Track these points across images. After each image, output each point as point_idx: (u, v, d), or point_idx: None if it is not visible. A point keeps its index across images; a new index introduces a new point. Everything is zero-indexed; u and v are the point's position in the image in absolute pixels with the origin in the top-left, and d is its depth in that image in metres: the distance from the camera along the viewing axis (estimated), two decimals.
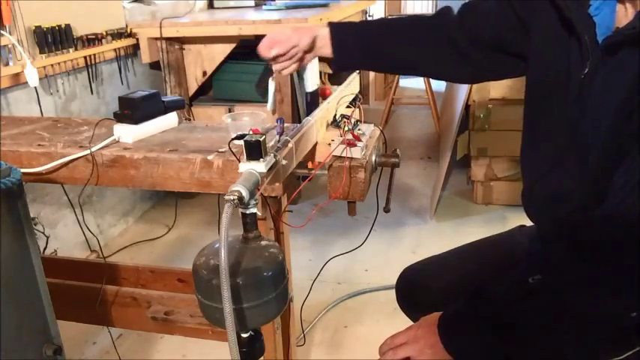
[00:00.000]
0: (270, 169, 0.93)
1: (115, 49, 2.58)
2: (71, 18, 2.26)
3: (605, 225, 0.77)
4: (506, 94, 2.68)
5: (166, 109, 1.31)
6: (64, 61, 2.24)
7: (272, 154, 0.94)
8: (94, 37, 2.40)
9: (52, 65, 2.18)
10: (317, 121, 1.22)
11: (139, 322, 1.45)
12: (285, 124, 1.13)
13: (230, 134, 1.14)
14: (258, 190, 0.86)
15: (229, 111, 2.67)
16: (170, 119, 1.33)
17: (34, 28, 2.08)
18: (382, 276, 2.24)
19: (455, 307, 0.90)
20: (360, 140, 1.12)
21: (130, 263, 1.78)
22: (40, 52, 2.12)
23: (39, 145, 1.24)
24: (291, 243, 1.36)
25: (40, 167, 1.19)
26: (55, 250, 2.24)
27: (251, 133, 0.91)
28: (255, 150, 0.89)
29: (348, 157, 1.09)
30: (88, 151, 1.17)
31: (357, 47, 1.16)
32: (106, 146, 1.20)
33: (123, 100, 1.25)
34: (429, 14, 1.21)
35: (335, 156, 1.10)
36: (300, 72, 1.24)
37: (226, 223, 0.75)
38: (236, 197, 0.79)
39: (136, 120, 1.23)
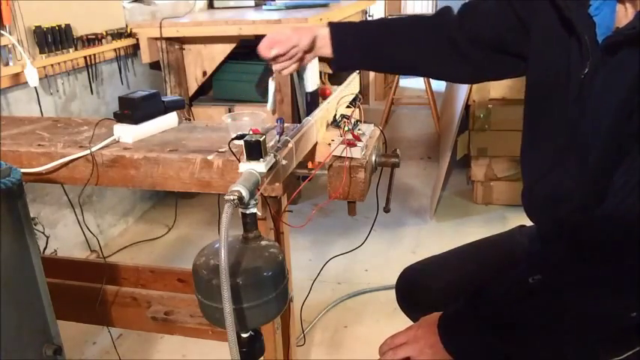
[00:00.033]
0: (270, 169, 0.93)
1: (115, 49, 2.58)
2: (71, 18, 2.26)
3: (605, 225, 0.77)
4: (506, 94, 2.68)
5: (166, 109, 1.31)
6: (64, 61, 2.24)
7: (272, 154, 0.94)
8: (94, 37, 2.40)
9: (52, 65, 2.18)
10: (317, 121, 1.22)
11: (139, 322, 1.45)
12: (285, 124, 1.13)
13: (230, 134, 1.14)
14: (258, 190, 0.86)
15: (229, 111, 2.67)
16: (170, 119, 1.33)
17: (34, 28, 2.08)
18: (382, 276, 2.24)
19: (455, 307, 0.90)
20: (360, 140, 1.12)
21: (130, 263, 1.78)
22: (40, 52, 2.12)
23: (39, 145, 1.24)
24: (291, 243, 1.36)
25: (40, 167, 1.19)
26: (55, 250, 2.24)
27: (251, 133, 0.91)
28: (255, 150, 0.89)
29: (348, 157, 1.09)
30: (88, 151, 1.17)
31: (357, 47, 1.16)
32: (106, 146, 1.20)
33: (123, 100, 1.25)
34: (429, 14, 1.21)
35: (335, 156, 1.10)
36: (300, 72, 1.24)
37: (226, 223, 0.75)
38: (236, 197, 0.79)
39: (136, 120, 1.23)
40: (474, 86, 2.65)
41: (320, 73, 2.69)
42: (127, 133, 1.23)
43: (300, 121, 1.23)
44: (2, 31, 1.93)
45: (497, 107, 2.71)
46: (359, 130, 1.18)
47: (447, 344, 0.87)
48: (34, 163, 1.20)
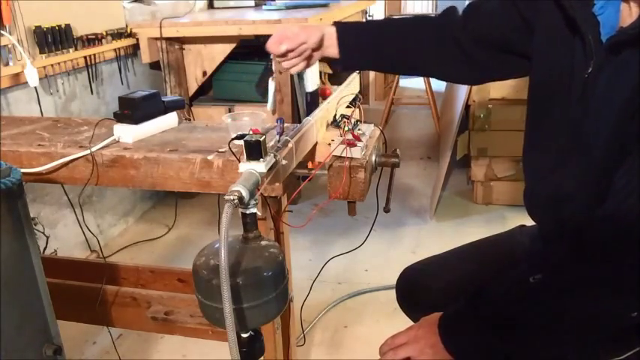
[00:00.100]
0: (270, 169, 0.93)
1: (115, 49, 2.58)
2: (71, 18, 2.26)
3: (605, 225, 0.77)
4: (506, 94, 2.68)
5: (166, 109, 1.31)
6: (64, 61, 2.24)
7: (272, 154, 0.94)
8: (94, 37, 2.40)
9: (52, 65, 2.18)
10: (317, 121, 1.22)
11: (139, 322, 1.45)
12: (285, 124, 1.13)
13: (230, 134, 1.14)
14: (258, 190, 0.86)
15: (229, 111, 2.67)
16: (170, 119, 1.33)
17: (34, 28, 2.08)
18: (382, 276, 2.24)
19: (455, 307, 0.90)
20: (360, 140, 1.12)
21: (130, 263, 1.78)
22: (40, 52, 2.12)
23: (39, 145, 1.24)
24: (291, 243, 1.36)
25: (40, 167, 1.19)
26: (55, 250, 2.24)
27: (251, 133, 0.91)
28: (255, 150, 0.89)
29: (348, 157, 1.09)
30: (88, 151, 1.17)
31: (363, 47, 1.15)
32: (106, 146, 1.20)
33: (123, 100, 1.25)
34: (433, 14, 1.21)
35: (335, 156, 1.10)
36: (300, 72, 1.24)
37: (226, 223, 0.75)
38: (236, 197, 0.79)
39: (136, 120, 1.23)
40: (475, 86, 2.65)
41: (320, 73, 2.70)
42: (127, 133, 1.23)
43: (300, 121, 1.23)
44: (2, 31, 1.93)
45: (497, 107, 2.71)
46: (359, 130, 1.18)
47: (448, 344, 0.87)
48: (34, 163, 1.20)
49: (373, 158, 1.16)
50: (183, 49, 2.73)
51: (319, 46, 1.13)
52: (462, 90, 2.78)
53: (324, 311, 2.06)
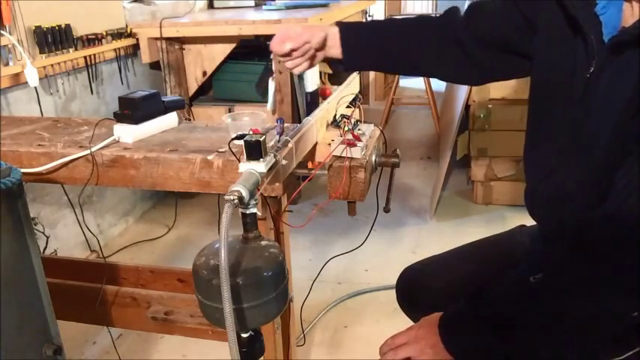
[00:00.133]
0: (270, 169, 0.92)
1: (115, 49, 2.58)
2: (71, 18, 2.26)
3: (606, 225, 0.77)
4: (506, 94, 2.68)
5: (166, 109, 1.31)
6: (64, 61, 2.24)
7: (272, 154, 0.94)
8: (94, 37, 2.40)
9: (52, 65, 2.18)
10: (317, 121, 1.22)
11: (139, 322, 1.45)
12: (285, 124, 1.13)
13: (230, 134, 1.14)
14: (258, 190, 0.86)
15: (229, 111, 2.67)
16: (170, 119, 1.33)
17: (34, 28, 2.08)
18: (382, 276, 2.24)
19: (455, 308, 0.90)
20: (360, 140, 1.12)
21: (130, 263, 1.78)
22: (40, 52, 2.12)
23: (39, 145, 1.24)
24: (291, 243, 1.36)
25: (40, 167, 1.19)
26: (55, 250, 2.24)
27: (251, 133, 0.91)
28: (255, 150, 0.89)
29: (348, 157, 1.09)
30: (88, 151, 1.17)
31: (366, 48, 1.14)
32: (106, 146, 1.20)
33: (123, 100, 1.25)
34: (434, 14, 1.21)
35: (335, 156, 1.10)
36: (301, 72, 1.23)
37: (226, 223, 0.75)
38: (236, 197, 0.79)
39: (136, 120, 1.23)
40: (475, 86, 2.65)
41: (320, 73, 2.70)
42: (127, 133, 1.23)
43: (300, 121, 1.23)
44: (2, 31, 1.93)
45: (497, 107, 2.71)
46: (359, 130, 1.18)
47: (448, 344, 0.87)
48: (34, 163, 1.20)
49: (373, 158, 1.16)
50: (183, 49, 2.73)
51: (322, 46, 1.12)
52: (462, 90, 2.78)
53: (324, 311, 2.06)
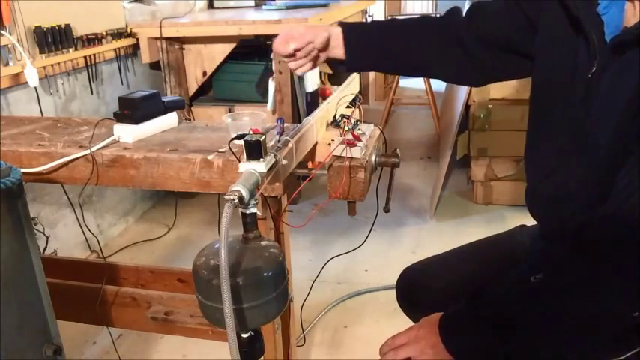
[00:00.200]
0: (270, 169, 0.92)
1: (115, 49, 2.58)
2: (71, 18, 2.26)
3: (607, 225, 0.77)
4: (507, 94, 2.68)
5: (166, 109, 1.31)
6: (64, 61, 2.24)
7: (272, 154, 0.94)
8: (94, 37, 2.40)
9: (52, 65, 2.18)
10: (317, 121, 1.22)
11: (139, 322, 1.45)
12: (285, 124, 1.13)
13: (230, 134, 1.14)
14: (258, 190, 0.86)
15: (229, 111, 2.67)
16: (170, 119, 1.33)
17: (34, 28, 2.08)
18: (382, 276, 2.24)
19: (456, 308, 0.90)
20: (360, 140, 1.12)
21: (130, 263, 1.78)
22: (40, 52, 2.12)
23: (39, 145, 1.24)
24: (291, 243, 1.36)
25: (40, 167, 1.19)
26: (55, 250, 2.24)
27: (251, 133, 0.91)
28: (255, 150, 0.89)
29: (348, 157, 1.09)
30: (88, 151, 1.17)
31: (369, 49, 1.14)
32: (106, 146, 1.20)
33: (123, 100, 1.25)
34: (434, 14, 1.21)
35: (335, 156, 1.10)
36: None
37: (226, 223, 0.75)
38: (236, 197, 0.79)
39: (136, 120, 1.23)
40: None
41: (320, 73, 2.70)
42: (127, 133, 1.23)
43: (300, 121, 1.23)
44: (2, 31, 1.93)
45: (497, 107, 2.71)
46: (359, 130, 1.18)
47: (448, 344, 0.87)
48: (34, 163, 1.20)
49: (373, 158, 1.16)
50: (183, 49, 2.73)
51: (326, 46, 1.11)
52: (462, 90, 2.78)
53: (324, 311, 2.06)
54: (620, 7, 0.83)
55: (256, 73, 2.71)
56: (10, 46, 1.98)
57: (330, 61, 1.17)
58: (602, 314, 0.78)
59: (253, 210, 0.85)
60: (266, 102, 2.53)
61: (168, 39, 2.64)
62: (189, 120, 2.57)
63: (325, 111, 1.28)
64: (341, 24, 1.14)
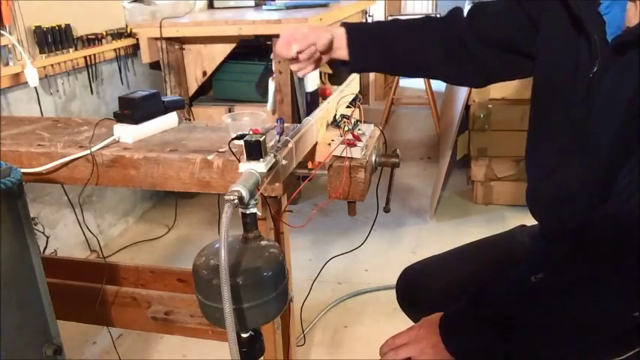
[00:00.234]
0: (270, 169, 0.92)
1: (115, 49, 2.58)
2: (71, 18, 2.26)
3: (607, 225, 0.77)
4: (507, 94, 2.68)
5: (166, 109, 1.31)
6: (64, 61, 2.24)
7: (272, 154, 0.94)
8: (94, 37, 2.40)
9: (52, 65, 2.18)
10: (317, 121, 1.22)
11: (139, 322, 1.45)
12: (285, 124, 1.13)
13: (230, 134, 1.14)
14: (258, 190, 0.86)
15: (229, 111, 2.67)
16: (170, 119, 1.33)
17: (34, 28, 2.08)
18: (382, 276, 2.24)
19: (456, 307, 0.90)
20: (360, 140, 1.12)
21: (130, 263, 1.78)
22: (40, 52, 2.12)
23: (39, 145, 1.24)
24: (291, 243, 1.36)
25: (40, 167, 1.19)
26: (55, 250, 2.24)
27: (251, 133, 0.91)
28: (255, 150, 0.89)
29: (348, 157, 1.09)
30: (88, 151, 1.17)
31: (373, 50, 1.13)
32: (106, 146, 1.20)
33: (123, 100, 1.25)
34: (434, 14, 1.20)
35: (335, 156, 1.10)
36: None
37: (226, 223, 0.75)
38: (236, 197, 0.79)
39: (136, 120, 1.23)
40: None
41: (320, 73, 2.70)
42: (127, 133, 1.23)
43: (300, 121, 1.23)
44: (2, 31, 1.93)
45: (497, 107, 2.71)
46: (359, 130, 1.18)
47: (449, 344, 0.87)
48: (34, 163, 1.20)
49: (373, 158, 1.16)
50: (183, 49, 2.73)
51: (328, 48, 1.10)
52: (462, 90, 2.78)
53: (324, 311, 2.06)
54: (622, 7, 0.83)
55: (256, 73, 2.72)
56: (10, 46, 1.98)
57: (333, 62, 1.17)
58: (602, 314, 0.78)
59: (253, 210, 0.85)
60: (266, 102, 2.53)
61: (168, 39, 2.64)
62: (189, 120, 2.57)
63: (325, 111, 1.28)
64: (344, 25, 1.13)
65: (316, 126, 1.22)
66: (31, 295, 0.98)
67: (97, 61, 2.47)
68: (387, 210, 1.15)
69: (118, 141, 1.23)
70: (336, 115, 1.30)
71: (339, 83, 1.52)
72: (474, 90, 2.68)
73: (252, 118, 1.21)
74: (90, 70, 2.44)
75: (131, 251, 2.59)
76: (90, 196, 2.52)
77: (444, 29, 1.11)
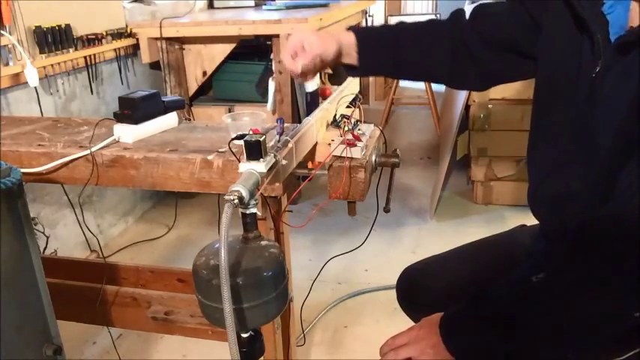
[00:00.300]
0: (270, 169, 0.92)
1: (115, 49, 2.58)
2: (71, 18, 2.26)
3: (608, 225, 0.77)
4: (507, 95, 2.69)
5: (166, 109, 1.31)
6: (64, 61, 2.24)
7: (272, 154, 0.94)
8: (94, 37, 2.40)
9: (52, 65, 2.18)
10: (317, 121, 1.22)
11: (139, 322, 1.45)
12: (285, 124, 1.13)
13: (230, 134, 1.14)
14: (258, 190, 0.86)
15: (229, 111, 2.67)
16: (170, 119, 1.33)
17: (34, 28, 2.08)
18: (382, 276, 2.24)
19: (456, 308, 0.90)
20: (360, 140, 1.12)
21: (130, 263, 1.78)
22: (40, 52, 2.12)
23: (39, 145, 1.24)
24: (291, 243, 1.36)
25: (40, 167, 1.19)
26: (55, 250, 2.24)
27: (251, 133, 0.91)
28: (255, 150, 0.89)
29: (348, 157, 1.09)
30: (88, 151, 1.17)
31: (382, 56, 1.13)
32: (106, 146, 1.20)
33: (123, 100, 1.25)
34: (434, 14, 1.20)
35: (335, 156, 1.10)
36: None
37: (226, 223, 0.75)
38: (236, 197, 0.79)
39: (136, 120, 1.23)
40: None
41: (320, 73, 2.69)
42: (127, 133, 1.23)
43: (300, 121, 1.23)
44: (2, 31, 1.93)
45: (497, 107, 2.71)
46: (359, 130, 1.18)
47: (449, 344, 0.87)
48: (34, 163, 1.20)
49: (373, 158, 1.16)
50: (183, 49, 2.73)
51: (335, 58, 1.10)
52: (462, 90, 2.78)
53: (324, 311, 2.06)
54: (625, 6, 0.82)
55: (256, 73, 2.72)
56: (10, 46, 1.98)
57: (338, 65, 1.16)
58: (602, 314, 0.78)
59: (253, 210, 0.85)
60: (266, 102, 2.52)
61: (168, 39, 2.64)
62: (189, 120, 2.57)
63: (325, 111, 1.28)
64: (354, 31, 1.11)
65: (316, 126, 1.22)
66: (31, 295, 0.98)
67: (97, 61, 2.47)
68: (387, 210, 1.15)
69: (118, 141, 1.23)
70: (336, 115, 1.30)
71: (339, 83, 1.52)
72: None
73: (252, 118, 1.21)
74: (90, 70, 2.44)
75: (131, 251, 2.59)
76: (90, 196, 2.52)
77: (448, 32, 1.10)
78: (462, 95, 2.76)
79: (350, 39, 1.10)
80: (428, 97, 3.94)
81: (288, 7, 2.92)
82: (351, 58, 1.12)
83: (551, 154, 0.95)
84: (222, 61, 2.70)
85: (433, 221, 2.76)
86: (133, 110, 1.23)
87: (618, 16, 0.83)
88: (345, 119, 1.20)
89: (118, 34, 2.58)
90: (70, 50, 2.27)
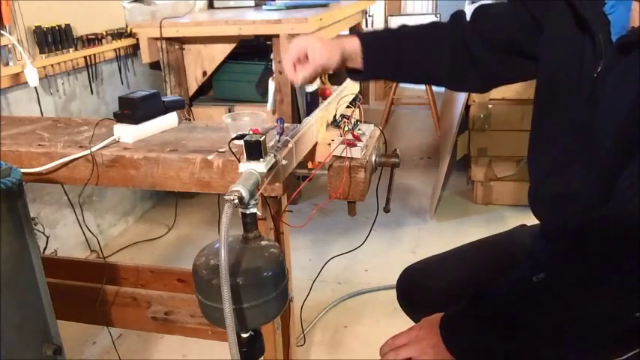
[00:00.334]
0: (270, 169, 0.92)
1: (115, 49, 2.58)
2: (71, 18, 2.26)
3: (609, 225, 0.77)
4: (507, 95, 2.68)
5: (166, 109, 1.31)
6: (64, 61, 2.24)
7: (272, 154, 0.94)
8: (94, 37, 2.40)
9: (52, 65, 2.18)
10: (317, 121, 1.22)
11: (139, 322, 1.45)
12: (285, 124, 1.13)
13: (230, 134, 1.14)
14: (258, 190, 0.86)
15: (229, 111, 2.67)
16: (170, 119, 1.33)
17: (34, 28, 2.08)
18: (382, 276, 2.24)
19: (457, 308, 0.90)
20: (360, 140, 1.12)
21: (130, 263, 1.78)
22: (40, 52, 2.12)
23: (39, 145, 1.24)
24: (291, 243, 1.36)
25: (40, 167, 1.19)
26: (55, 250, 2.24)
27: (251, 133, 0.91)
28: (255, 150, 0.89)
29: (348, 157, 1.09)
30: (88, 151, 1.17)
31: (386, 61, 1.12)
32: (106, 146, 1.20)
33: (123, 100, 1.25)
34: (439, 15, 1.20)
35: (335, 156, 1.10)
36: None
37: (226, 223, 0.75)
38: (236, 197, 0.79)
39: (136, 120, 1.23)
40: None
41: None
42: (127, 133, 1.23)
43: (300, 121, 1.23)
44: (2, 31, 1.93)
45: (497, 107, 2.71)
46: (359, 130, 1.18)
47: (449, 344, 0.87)
48: (34, 163, 1.20)
49: (373, 158, 1.16)
50: (183, 49, 2.73)
51: (339, 66, 1.09)
52: None
53: (324, 311, 2.06)
54: (627, 6, 0.82)
55: (256, 73, 2.72)
56: (10, 46, 1.98)
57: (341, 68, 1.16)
58: (602, 314, 0.78)
59: (253, 210, 0.85)
60: (266, 102, 2.53)
61: (168, 39, 2.64)
62: (189, 120, 2.57)
63: (325, 111, 1.28)
64: (358, 36, 1.11)
65: (316, 126, 1.22)
66: (31, 295, 0.98)
67: (97, 61, 2.47)
68: (387, 210, 1.15)
69: (118, 141, 1.23)
70: (336, 115, 1.30)
71: (339, 83, 1.52)
72: None
73: (252, 118, 1.21)
74: (90, 70, 2.44)
75: (131, 251, 2.59)
76: (90, 196, 2.52)
77: (449, 34, 1.10)
78: (462, 95, 2.76)
79: (354, 44, 1.10)
80: (428, 97, 3.94)
81: (288, 7, 2.92)
82: (356, 63, 1.11)
83: (552, 154, 0.95)
84: (222, 61, 2.70)
85: (433, 221, 2.76)
86: (133, 110, 1.23)
87: (620, 16, 0.83)
88: (345, 119, 1.20)
89: (118, 34, 2.58)
90: (70, 50, 2.27)
